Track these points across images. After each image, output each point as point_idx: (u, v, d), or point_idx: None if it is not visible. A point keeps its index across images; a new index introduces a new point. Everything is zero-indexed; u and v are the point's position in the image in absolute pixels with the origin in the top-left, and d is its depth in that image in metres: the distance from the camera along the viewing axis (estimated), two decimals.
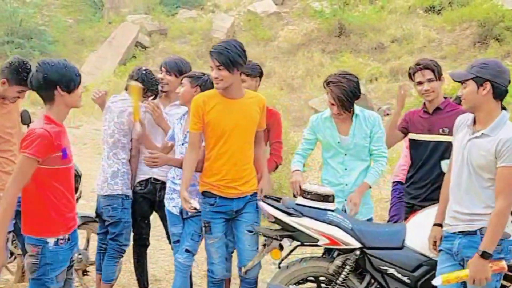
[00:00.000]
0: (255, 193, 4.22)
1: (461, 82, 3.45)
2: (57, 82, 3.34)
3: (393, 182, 5.34)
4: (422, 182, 4.39)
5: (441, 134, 4.35)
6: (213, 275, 4.29)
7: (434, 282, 3.53)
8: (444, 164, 4.20)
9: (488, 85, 3.35)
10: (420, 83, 4.42)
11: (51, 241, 3.38)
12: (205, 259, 5.87)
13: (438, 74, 4.42)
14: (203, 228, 4.21)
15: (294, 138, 8.50)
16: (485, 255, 3.29)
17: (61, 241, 3.41)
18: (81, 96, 3.47)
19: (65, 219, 3.43)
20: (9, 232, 4.45)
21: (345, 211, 4.23)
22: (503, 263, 3.36)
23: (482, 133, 3.38)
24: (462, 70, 3.51)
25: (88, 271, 5.09)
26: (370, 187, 4.33)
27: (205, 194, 4.17)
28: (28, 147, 3.24)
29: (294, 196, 4.27)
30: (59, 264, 3.42)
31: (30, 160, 3.24)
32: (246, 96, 4.15)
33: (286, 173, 7.37)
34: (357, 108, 4.37)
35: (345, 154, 4.37)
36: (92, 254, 5.62)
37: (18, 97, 4.26)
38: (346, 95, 4.22)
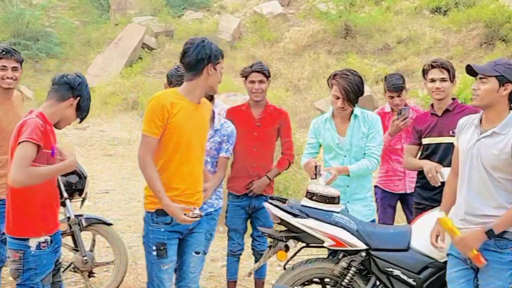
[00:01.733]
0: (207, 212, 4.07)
1: (481, 77, 3.38)
2: (82, 96, 3.47)
3: (374, 186, 5.43)
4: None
5: (452, 136, 4.32)
6: None
7: (437, 214, 3.61)
8: (444, 171, 4.18)
9: (509, 87, 3.33)
10: (432, 80, 4.43)
11: (33, 245, 3.36)
12: (211, 261, 5.91)
13: (452, 76, 4.43)
14: (156, 252, 3.64)
15: (300, 139, 8.49)
16: (489, 233, 3.28)
17: (43, 244, 3.39)
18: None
19: (49, 219, 3.43)
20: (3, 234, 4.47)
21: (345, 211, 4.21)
22: (485, 262, 3.36)
23: (493, 132, 3.35)
24: (484, 65, 3.44)
25: (94, 273, 5.10)
26: (348, 175, 4.24)
27: (159, 212, 3.61)
28: (28, 134, 3.22)
29: (315, 176, 4.14)
30: (43, 268, 3.40)
31: (28, 144, 3.20)
32: (202, 102, 3.79)
33: (292, 174, 7.37)
34: (357, 110, 4.37)
35: (345, 156, 4.36)
36: (98, 255, 5.64)
37: None
38: (352, 87, 4.23)
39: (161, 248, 3.62)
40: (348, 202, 4.31)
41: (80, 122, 3.61)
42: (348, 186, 4.33)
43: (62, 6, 25.54)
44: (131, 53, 19.68)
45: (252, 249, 4.98)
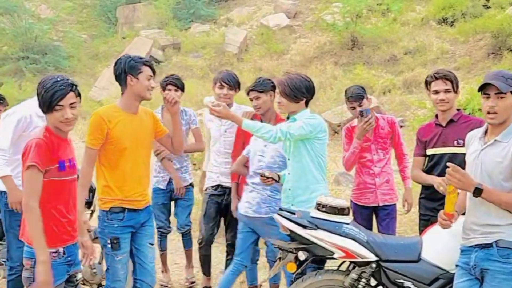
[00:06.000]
0: (150, 206, 4.36)
1: (497, 93, 3.36)
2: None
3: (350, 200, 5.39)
4: (439, 195, 4.34)
5: (456, 146, 4.32)
6: None
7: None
8: None
9: None
10: (436, 92, 4.42)
11: None
12: (219, 273, 5.88)
13: (455, 87, 4.41)
14: (111, 245, 4.13)
15: None
16: (476, 191, 3.27)
17: (53, 255, 3.41)
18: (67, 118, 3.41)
19: (57, 233, 3.44)
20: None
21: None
22: (454, 217, 3.45)
23: (495, 140, 3.39)
24: (499, 81, 3.37)
25: (103, 285, 5.08)
26: (241, 124, 4.20)
27: (112, 210, 4.12)
28: (28, 158, 3.29)
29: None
30: (53, 278, 3.39)
31: (34, 169, 3.26)
32: (141, 111, 4.26)
33: None
34: (302, 114, 4.32)
35: (289, 159, 4.39)
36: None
37: None
38: (288, 82, 4.26)
39: (115, 241, 4.10)
40: (292, 204, 4.30)
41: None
42: (289, 189, 4.35)
43: (70, 20, 25.71)
44: None
45: (267, 256, 5.01)
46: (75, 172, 3.55)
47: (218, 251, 5.57)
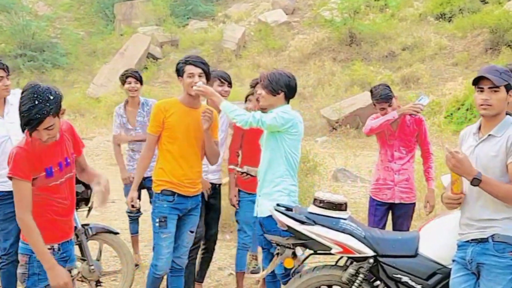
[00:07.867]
0: (199, 196, 4.63)
1: (491, 87, 3.36)
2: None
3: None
4: None
5: None
6: (157, 271, 4.49)
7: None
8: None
9: None
10: None
11: None
12: (218, 269, 5.89)
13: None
14: (159, 224, 4.44)
15: (306, 147, 8.50)
16: (474, 181, 3.25)
17: (49, 251, 3.39)
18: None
19: (52, 230, 3.41)
20: None
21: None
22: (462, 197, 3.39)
23: (489, 135, 3.39)
24: (494, 75, 3.37)
25: (102, 282, 5.09)
26: (220, 104, 4.32)
27: (164, 192, 4.46)
28: (9, 168, 3.27)
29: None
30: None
31: (15, 181, 3.25)
32: (201, 107, 4.55)
33: (298, 181, 7.35)
34: (279, 108, 4.30)
35: (263, 150, 4.43)
36: (105, 264, 5.64)
37: None
38: (270, 75, 4.33)
39: (163, 220, 4.44)
40: (260, 196, 4.36)
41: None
42: (259, 180, 4.41)
43: (67, 17, 25.71)
44: (136, 63, 19.71)
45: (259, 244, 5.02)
46: (68, 172, 3.50)
47: (217, 247, 5.56)
